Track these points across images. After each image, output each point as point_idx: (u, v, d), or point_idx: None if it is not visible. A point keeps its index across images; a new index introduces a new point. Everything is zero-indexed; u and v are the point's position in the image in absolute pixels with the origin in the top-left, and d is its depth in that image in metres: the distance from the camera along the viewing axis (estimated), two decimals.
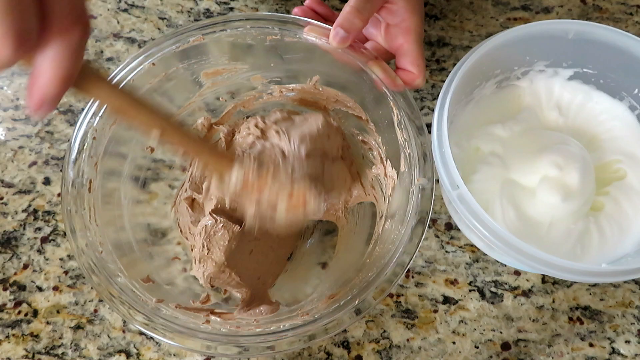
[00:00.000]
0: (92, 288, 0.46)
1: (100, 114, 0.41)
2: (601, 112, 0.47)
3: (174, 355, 0.44)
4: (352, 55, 0.42)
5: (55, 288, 0.47)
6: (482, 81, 0.46)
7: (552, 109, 0.48)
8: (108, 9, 0.60)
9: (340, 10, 0.41)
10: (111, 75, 0.43)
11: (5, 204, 0.50)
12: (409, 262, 0.37)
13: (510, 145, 0.45)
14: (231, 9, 0.59)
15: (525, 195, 0.43)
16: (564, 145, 0.44)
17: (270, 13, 0.44)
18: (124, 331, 0.45)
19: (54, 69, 0.24)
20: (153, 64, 0.43)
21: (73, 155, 0.40)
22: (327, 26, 0.43)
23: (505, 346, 0.44)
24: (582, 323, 0.45)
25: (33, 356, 0.44)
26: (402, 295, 0.46)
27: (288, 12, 0.59)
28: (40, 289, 0.47)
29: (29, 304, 0.46)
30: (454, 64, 0.56)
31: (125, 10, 0.60)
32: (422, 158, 0.40)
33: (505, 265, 0.47)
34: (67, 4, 0.24)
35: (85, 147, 0.41)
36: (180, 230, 0.46)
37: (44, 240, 0.48)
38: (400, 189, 0.43)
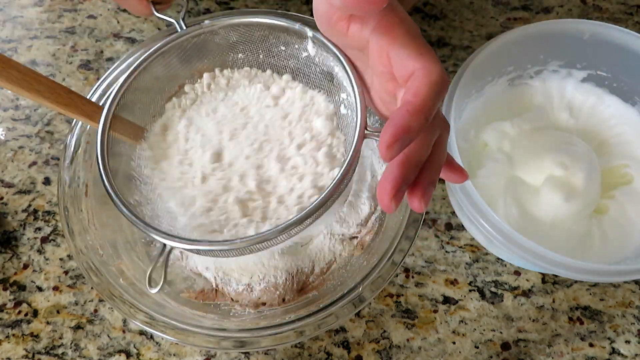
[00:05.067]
0: (92, 288, 0.46)
1: None
2: (612, 116, 0.47)
3: (174, 355, 0.44)
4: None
5: (55, 288, 0.47)
6: (494, 77, 0.46)
7: (563, 109, 0.48)
8: (108, 9, 0.60)
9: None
10: (104, 77, 0.43)
11: (5, 204, 0.50)
12: (403, 257, 0.37)
13: (518, 143, 0.45)
14: (231, 9, 0.59)
15: (529, 193, 0.43)
16: (572, 146, 0.44)
17: (257, 9, 0.44)
18: (124, 331, 0.45)
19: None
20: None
21: (67, 160, 0.41)
22: None
23: (505, 346, 0.44)
24: (582, 323, 0.45)
25: (33, 356, 0.44)
26: (402, 295, 0.46)
27: (288, 11, 0.59)
28: (40, 289, 0.47)
29: (29, 304, 0.46)
30: (454, 64, 0.56)
31: (125, 10, 0.60)
32: None
33: (506, 265, 0.47)
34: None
35: (79, 150, 0.41)
36: None
37: (44, 240, 0.48)
38: None
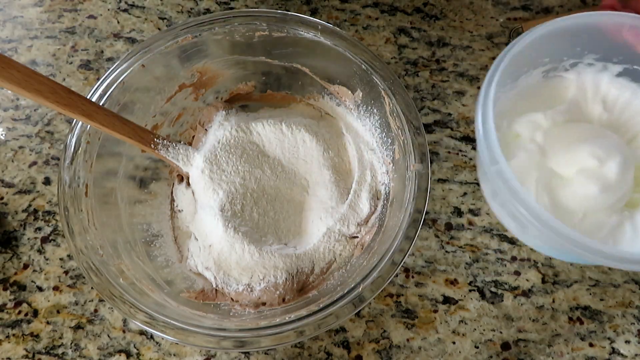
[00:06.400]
0: (92, 288, 0.46)
1: None
2: None
3: (174, 355, 0.44)
4: (279, 25, 0.44)
5: (55, 288, 0.47)
6: (529, 68, 0.46)
7: (597, 103, 0.47)
8: (108, 9, 0.60)
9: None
10: (104, 77, 0.43)
11: (6, 204, 0.50)
12: (403, 257, 0.37)
13: (551, 135, 0.45)
14: (231, 9, 0.59)
15: (561, 184, 0.43)
16: (605, 138, 0.44)
17: (257, 9, 0.44)
18: (124, 331, 0.45)
19: None
20: (143, 65, 0.44)
21: (67, 160, 0.41)
22: None
23: (505, 346, 0.44)
24: (582, 323, 0.45)
25: (33, 356, 0.44)
26: (402, 295, 0.46)
27: (288, 11, 0.59)
28: (40, 289, 0.47)
29: (29, 304, 0.46)
30: (454, 64, 0.56)
31: (125, 10, 0.60)
32: (420, 157, 0.40)
33: (506, 265, 0.47)
34: None
35: (79, 150, 0.41)
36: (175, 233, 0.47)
37: (44, 240, 0.48)
38: (396, 176, 0.43)
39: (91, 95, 0.42)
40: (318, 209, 0.46)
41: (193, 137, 0.49)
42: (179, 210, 0.47)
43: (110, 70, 0.43)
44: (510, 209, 0.38)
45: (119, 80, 0.43)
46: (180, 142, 0.47)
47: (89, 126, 0.41)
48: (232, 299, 0.43)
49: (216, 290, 0.44)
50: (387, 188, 0.45)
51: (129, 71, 0.43)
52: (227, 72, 0.49)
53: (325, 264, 0.44)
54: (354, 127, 0.49)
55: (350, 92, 0.47)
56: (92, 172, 0.42)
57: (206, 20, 0.44)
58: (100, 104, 0.42)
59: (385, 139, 0.46)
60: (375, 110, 0.46)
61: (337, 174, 0.47)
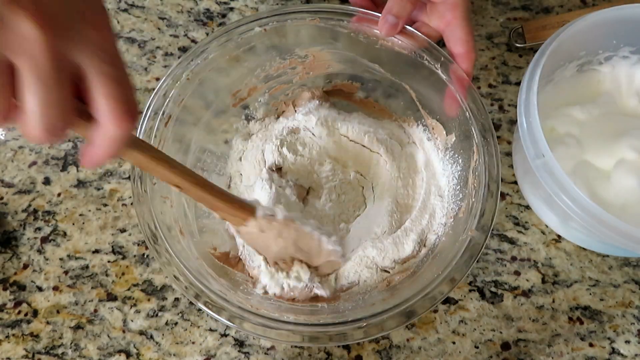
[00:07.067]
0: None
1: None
2: None
3: (174, 355, 0.44)
4: (407, 41, 0.43)
5: (55, 288, 0.47)
6: (565, 61, 0.46)
7: (631, 96, 0.48)
8: (108, 9, 0.60)
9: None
10: (229, 26, 0.44)
11: (6, 204, 0.50)
12: (421, 314, 0.37)
13: (587, 128, 0.45)
14: (231, 8, 0.59)
15: (599, 177, 0.43)
16: None
17: (337, 5, 0.44)
18: (124, 331, 0.45)
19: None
20: (265, 29, 0.44)
21: (163, 89, 0.42)
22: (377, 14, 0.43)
23: (505, 346, 0.44)
24: (582, 323, 0.45)
25: (33, 356, 0.44)
26: None
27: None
28: (40, 289, 0.47)
29: (29, 304, 0.46)
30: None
31: (125, 10, 0.60)
32: (481, 225, 0.39)
33: (505, 265, 0.47)
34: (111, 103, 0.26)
35: (178, 84, 0.43)
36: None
37: (44, 240, 0.48)
38: (451, 232, 0.42)
39: (214, 33, 0.45)
40: (361, 229, 0.45)
41: (283, 112, 0.50)
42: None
43: (237, 21, 0.45)
44: (555, 202, 0.38)
45: (243, 34, 0.44)
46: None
47: (194, 65, 0.43)
48: (249, 274, 0.43)
49: (239, 259, 0.44)
50: (437, 240, 0.44)
51: (253, 30, 0.44)
52: (337, 66, 0.49)
53: (347, 283, 0.43)
54: (434, 168, 0.48)
55: (444, 132, 0.46)
56: (180, 107, 0.43)
57: (341, 11, 0.44)
58: (218, 47, 0.44)
59: (458, 193, 0.44)
60: (460, 160, 0.45)
61: (396, 204, 0.46)
